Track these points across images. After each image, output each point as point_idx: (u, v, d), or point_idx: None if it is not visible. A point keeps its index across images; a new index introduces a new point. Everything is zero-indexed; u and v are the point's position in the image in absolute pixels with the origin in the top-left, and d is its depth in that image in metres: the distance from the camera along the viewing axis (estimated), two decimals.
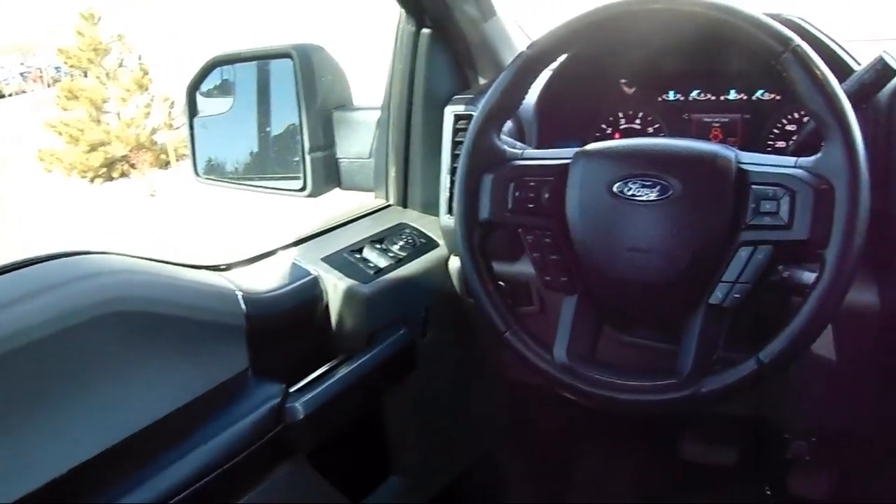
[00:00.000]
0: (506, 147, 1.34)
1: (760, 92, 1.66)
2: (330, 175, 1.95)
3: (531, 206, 1.28)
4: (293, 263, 1.62)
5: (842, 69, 1.43)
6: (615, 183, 1.22)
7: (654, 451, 2.31)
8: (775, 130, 1.65)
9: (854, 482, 2.04)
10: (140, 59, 24.44)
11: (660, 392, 1.21)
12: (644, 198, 1.20)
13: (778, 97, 1.64)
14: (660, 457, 2.28)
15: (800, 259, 1.28)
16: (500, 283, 1.37)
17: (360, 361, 1.57)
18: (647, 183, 1.20)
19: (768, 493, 2.20)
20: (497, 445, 2.17)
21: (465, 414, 1.99)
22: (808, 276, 1.18)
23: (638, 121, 1.73)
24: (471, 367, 1.96)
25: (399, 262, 1.70)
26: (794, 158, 1.17)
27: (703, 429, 2.16)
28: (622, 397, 1.24)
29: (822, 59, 1.17)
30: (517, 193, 1.29)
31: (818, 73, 1.14)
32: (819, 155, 1.15)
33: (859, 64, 1.46)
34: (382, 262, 1.68)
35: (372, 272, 1.65)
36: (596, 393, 1.25)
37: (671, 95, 1.71)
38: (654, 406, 1.23)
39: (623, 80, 1.75)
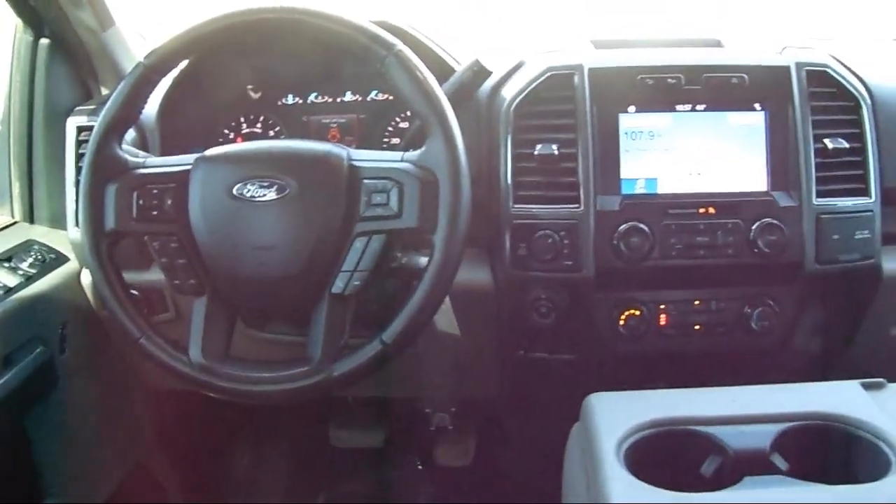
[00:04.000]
0: (128, 156, 1.34)
1: (374, 93, 1.76)
2: None
3: (155, 213, 1.30)
4: None
5: (443, 71, 1.55)
6: (235, 185, 1.26)
7: (308, 441, 2.37)
8: (389, 128, 1.76)
9: (491, 445, 2.20)
10: None
11: (293, 380, 1.27)
12: (263, 198, 1.25)
13: (390, 97, 1.74)
14: (314, 446, 2.34)
15: (416, 245, 1.38)
16: (133, 291, 1.37)
17: None
18: (265, 183, 1.25)
19: (420, 467, 2.32)
20: (149, 456, 2.15)
21: (113, 427, 1.96)
22: (424, 261, 1.27)
23: (259, 125, 1.78)
24: (115, 379, 1.93)
25: (29, 279, 1.65)
26: (402, 153, 1.27)
27: (350, 415, 2.24)
28: (258, 389, 1.29)
29: (425, 61, 1.27)
30: (141, 202, 1.30)
31: (419, 75, 1.25)
32: (423, 149, 1.25)
33: (460, 65, 1.58)
34: (12, 281, 1.62)
35: (1, 292, 1.59)
36: (234, 388, 1.30)
37: (290, 99, 1.77)
38: (289, 394, 1.28)
39: (250, 86, 1.79)
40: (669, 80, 1.56)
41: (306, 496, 2.34)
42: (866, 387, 1.29)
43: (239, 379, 1.29)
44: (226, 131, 1.78)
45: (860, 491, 1.06)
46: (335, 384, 1.26)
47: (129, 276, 1.37)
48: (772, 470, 1.15)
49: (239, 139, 1.78)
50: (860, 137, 1.59)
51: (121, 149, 1.35)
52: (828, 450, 1.20)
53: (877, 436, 1.16)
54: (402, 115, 1.74)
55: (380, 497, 2.31)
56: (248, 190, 1.25)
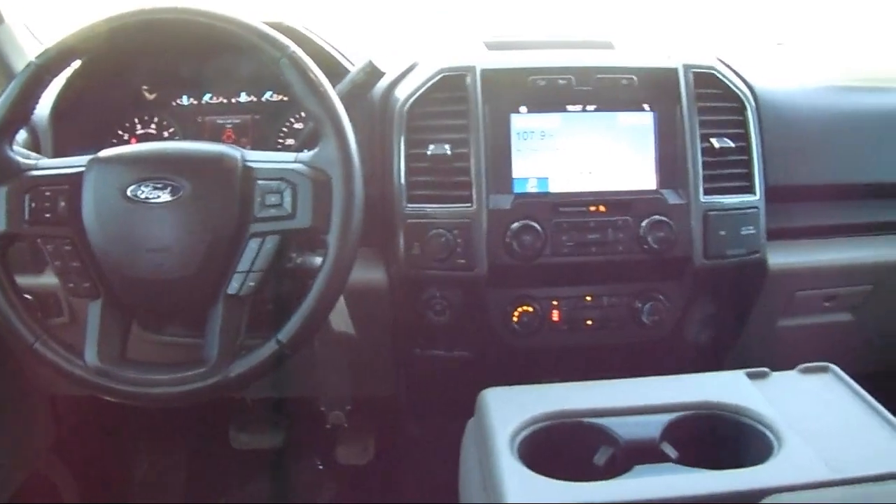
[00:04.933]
0: (19, 158, 1.31)
1: (269, 94, 1.77)
2: None
3: (48, 215, 1.27)
4: None
5: (337, 71, 1.56)
6: (129, 187, 1.24)
7: (208, 444, 2.35)
8: (284, 129, 1.76)
9: (391, 444, 2.21)
10: None
11: (190, 382, 1.26)
12: (157, 200, 1.23)
13: (285, 98, 1.75)
14: (214, 449, 2.33)
15: (311, 246, 1.39)
16: (27, 295, 1.34)
17: None
18: (160, 185, 1.24)
19: (321, 466, 2.33)
20: (46, 462, 2.11)
21: (8, 434, 1.92)
22: (319, 261, 1.28)
23: (154, 126, 1.76)
24: (9, 384, 1.89)
25: None
26: (295, 154, 1.28)
27: (250, 417, 2.24)
28: (155, 392, 1.27)
29: (318, 63, 1.28)
30: (33, 204, 1.27)
31: (312, 76, 1.26)
32: (316, 150, 1.26)
33: (354, 66, 1.59)
34: None
35: None
36: (131, 391, 1.28)
37: (185, 100, 1.76)
38: (187, 396, 1.27)
39: (144, 87, 1.77)
40: (560, 81, 1.60)
41: (207, 499, 2.33)
42: (751, 376, 1.34)
43: (136, 382, 1.28)
44: (120, 132, 1.76)
45: (744, 475, 1.11)
46: (232, 385, 1.26)
47: (21, 280, 1.34)
48: (662, 458, 1.19)
49: (133, 140, 1.76)
50: (745, 137, 1.65)
51: (12, 150, 1.31)
52: (715, 437, 1.25)
53: (760, 422, 1.21)
54: (297, 116, 1.75)
55: (281, 498, 2.31)
56: (142, 191, 1.24)
